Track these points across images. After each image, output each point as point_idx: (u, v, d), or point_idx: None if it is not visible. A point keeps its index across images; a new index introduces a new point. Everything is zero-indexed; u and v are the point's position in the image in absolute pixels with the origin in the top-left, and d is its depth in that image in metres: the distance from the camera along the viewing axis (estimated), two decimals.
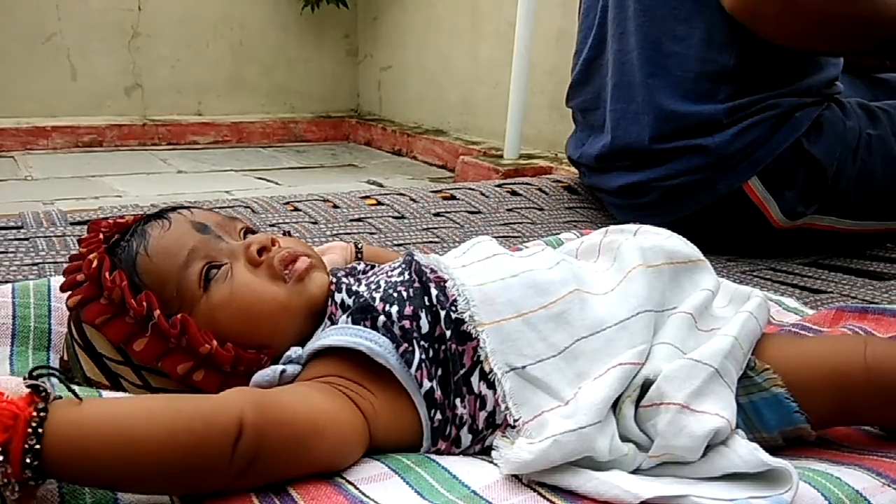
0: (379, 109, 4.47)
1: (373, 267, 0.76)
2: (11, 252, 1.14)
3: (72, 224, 1.27)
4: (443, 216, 1.49)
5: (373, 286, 0.69)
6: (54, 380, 0.51)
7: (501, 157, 3.09)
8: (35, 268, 1.09)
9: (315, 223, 1.39)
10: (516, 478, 0.58)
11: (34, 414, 0.47)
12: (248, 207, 1.43)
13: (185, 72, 4.13)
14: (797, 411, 0.64)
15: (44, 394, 0.48)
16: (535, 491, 0.57)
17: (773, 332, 0.75)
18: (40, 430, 0.47)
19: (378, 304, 0.66)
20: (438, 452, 0.64)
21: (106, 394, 0.63)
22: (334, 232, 1.36)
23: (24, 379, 0.49)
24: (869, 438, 0.69)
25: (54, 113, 3.82)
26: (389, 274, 0.71)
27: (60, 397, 0.50)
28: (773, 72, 1.32)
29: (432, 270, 0.69)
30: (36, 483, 0.47)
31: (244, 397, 0.55)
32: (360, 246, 0.88)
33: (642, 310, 0.67)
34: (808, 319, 0.90)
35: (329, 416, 0.58)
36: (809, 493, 0.57)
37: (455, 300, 0.65)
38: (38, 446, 0.46)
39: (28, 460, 0.46)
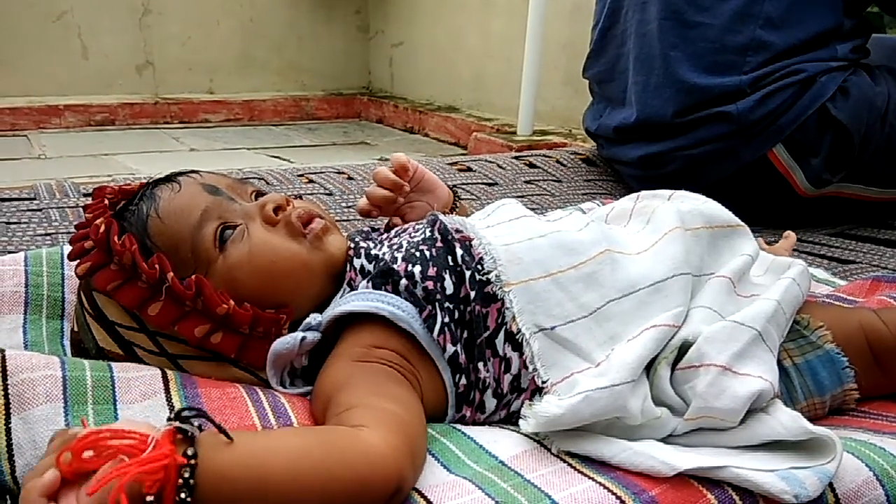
0: (390, 86, 4.42)
1: (389, 229, 0.74)
2: (24, 222, 1.13)
3: (84, 195, 1.25)
4: (459, 188, 1.46)
5: (395, 246, 0.67)
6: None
7: (515, 133, 3.04)
8: (48, 238, 1.07)
9: (330, 195, 1.37)
10: (545, 448, 0.56)
11: (185, 462, 0.44)
12: (262, 179, 1.41)
13: (195, 50, 4.09)
14: (847, 367, 0.63)
15: (189, 436, 0.45)
16: (564, 462, 0.55)
17: (809, 301, 0.73)
18: (192, 482, 0.43)
19: (399, 265, 0.64)
20: (463, 420, 0.62)
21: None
22: (349, 204, 1.33)
23: (168, 421, 0.45)
24: None
25: (66, 92, 3.80)
26: (412, 234, 0.69)
27: (201, 428, 0.46)
28: (801, 41, 1.28)
29: (457, 230, 0.67)
30: None
31: (401, 451, 0.50)
32: (457, 194, 0.87)
33: (678, 272, 0.64)
34: (842, 290, 0.87)
35: (423, 437, 0.56)
36: (853, 464, 0.54)
37: (481, 259, 0.63)
38: (189, 499, 0.43)
39: None
